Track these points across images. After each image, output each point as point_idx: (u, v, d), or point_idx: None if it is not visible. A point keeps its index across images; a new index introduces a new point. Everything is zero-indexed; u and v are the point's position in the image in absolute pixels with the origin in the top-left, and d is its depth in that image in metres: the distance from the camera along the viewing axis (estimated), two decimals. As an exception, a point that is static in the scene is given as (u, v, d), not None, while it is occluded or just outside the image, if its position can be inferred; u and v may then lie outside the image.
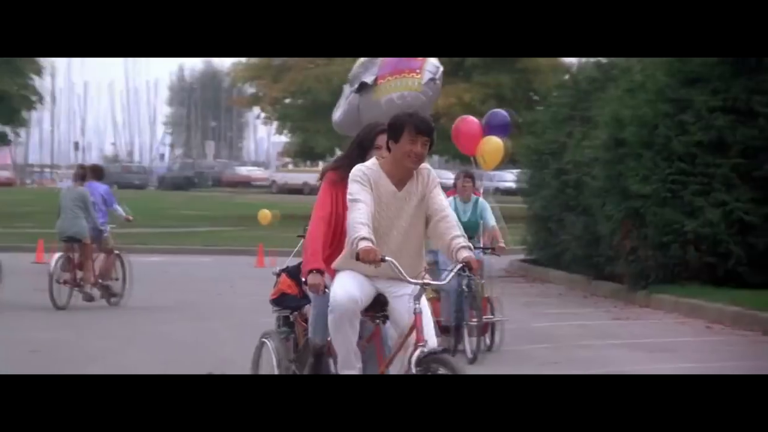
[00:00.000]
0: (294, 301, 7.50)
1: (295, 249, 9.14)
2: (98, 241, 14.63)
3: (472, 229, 11.27)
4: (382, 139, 6.46)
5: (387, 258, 5.96)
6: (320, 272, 6.38)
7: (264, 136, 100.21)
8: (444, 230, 6.21)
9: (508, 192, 44.26)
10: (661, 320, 14.11)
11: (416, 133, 6.10)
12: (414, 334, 5.93)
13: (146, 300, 15.30)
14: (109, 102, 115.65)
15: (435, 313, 10.78)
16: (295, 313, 7.47)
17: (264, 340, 7.48)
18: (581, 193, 17.75)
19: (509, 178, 46.56)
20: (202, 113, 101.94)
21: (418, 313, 5.95)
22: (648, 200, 15.71)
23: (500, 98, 34.00)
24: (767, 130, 15.26)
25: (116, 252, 14.96)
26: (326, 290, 6.28)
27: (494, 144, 14.42)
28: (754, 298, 13.67)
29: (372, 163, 6.26)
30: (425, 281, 6.08)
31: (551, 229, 19.21)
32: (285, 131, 40.46)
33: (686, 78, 15.76)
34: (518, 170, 26.66)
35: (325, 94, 34.91)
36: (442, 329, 10.03)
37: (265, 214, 22.16)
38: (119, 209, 15.12)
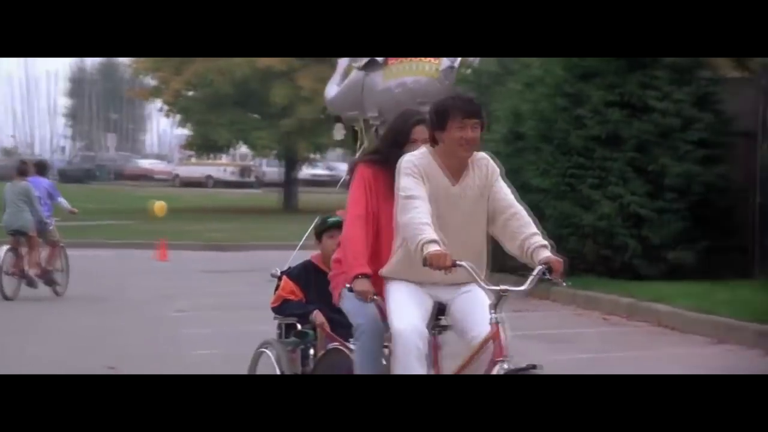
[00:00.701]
0: (299, 307, 6.84)
1: (295, 252, 9.20)
2: (43, 234, 15.16)
3: None
4: (419, 132, 5.79)
5: (461, 262, 5.27)
6: (367, 277, 5.57)
7: (166, 129, 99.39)
8: (516, 229, 5.55)
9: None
10: (559, 312, 14.39)
11: (464, 117, 5.44)
12: (490, 347, 5.28)
13: (47, 293, 15.32)
14: (8, 93, 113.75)
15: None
16: (316, 318, 6.66)
17: (263, 349, 6.83)
18: (482, 186, 17.96)
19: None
20: (102, 105, 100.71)
21: (497, 324, 5.28)
22: (547, 194, 15.97)
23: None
24: (661, 124, 15.60)
25: (61, 245, 15.59)
26: (374, 297, 5.55)
27: None
28: (647, 290, 14.00)
29: (422, 152, 5.53)
30: (505, 287, 5.38)
31: (453, 222, 19.42)
32: (187, 124, 40.21)
33: (583, 73, 16.04)
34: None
35: (228, 86, 34.85)
36: None
37: (160, 206, 21.95)
38: (64, 202, 15.76)
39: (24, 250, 14.94)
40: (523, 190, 15.90)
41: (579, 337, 12.14)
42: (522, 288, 5.49)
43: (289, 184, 39.01)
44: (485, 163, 5.63)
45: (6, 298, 14.72)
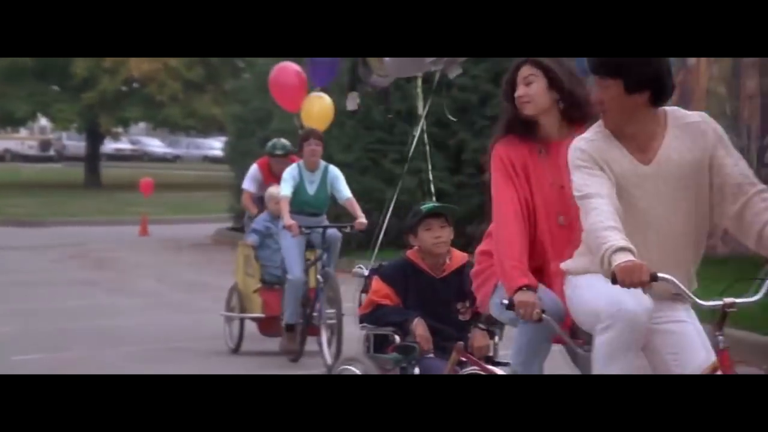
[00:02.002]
0: (398, 314, 5.64)
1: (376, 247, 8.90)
2: None
3: (320, 204, 9.79)
4: (524, 71, 4.77)
5: (662, 275, 3.92)
6: (532, 289, 4.44)
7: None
8: (760, 211, 4.06)
9: (216, 160, 44.38)
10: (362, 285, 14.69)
11: (599, 77, 4.21)
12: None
13: None
14: None
15: (271, 308, 9.87)
16: (416, 329, 5.52)
17: (349, 367, 5.63)
18: (286, 161, 18.16)
19: (217, 146, 46.67)
20: None
21: (724, 350, 4.00)
22: (350, 168, 16.25)
23: (206, 63, 34.05)
24: (459, 99, 16.06)
25: None
26: (542, 314, 4.41)
27: (320, 103, 12.26)
28: (447, 262, 14.43)
29: (593, 132, 4.25)
30: (731, 300, 4.00)
31: (257, 197, 19.56)
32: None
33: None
34: (225, 138, 26.89)
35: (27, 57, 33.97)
36: (287, 327, 9.30)
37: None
38: None
39: None
40: (326, 165, 16.42)
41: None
42: (755, 298, 4.06)
43: (92, 158, 38.37)
44: (696, 125, 4.19)
45: None
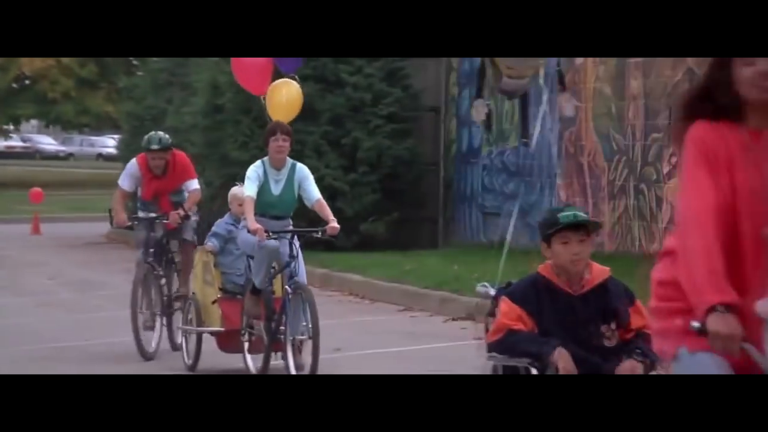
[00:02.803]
0: (534, 342, 4.83)
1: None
2: None
3: (286, 207, 8.73)
4: None
5: None
6: (732, 308, 3.33)
7: None
8: None
9: (110, 158, 43.99)
10: (257, 282, 14.79)
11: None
12: None
13: None
14: None
15: (231, 321, 8.79)
16: (558, 360, 4.68)
17: None
18: (181, 159, 18.15)
19: (111, 144, 46.24)
20: None
21: None
22: (246, 167, 16.26)
23: (99, 61, 33.75)
24: (353, 98, 16.23)
25: None
26: (744, 345, 3.34)
27: (288, 91, 10.92)
28: (341, 261, 14.63)
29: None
30: None
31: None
32: None
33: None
34: (119, 136, 26.76)
35: None
36: (252, 290, 8.50)
37: None
38: None
39: None
40: (222, 163, 16.51)
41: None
42: None
43: (-19, 155, 37.81)
44: None
45: None
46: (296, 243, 8.55)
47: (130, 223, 10.12)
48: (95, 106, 33.67)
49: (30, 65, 33.08)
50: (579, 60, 14.23)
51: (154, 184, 9.92)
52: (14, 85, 35.27)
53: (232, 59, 11.34)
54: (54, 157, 53.65)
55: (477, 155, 16.36)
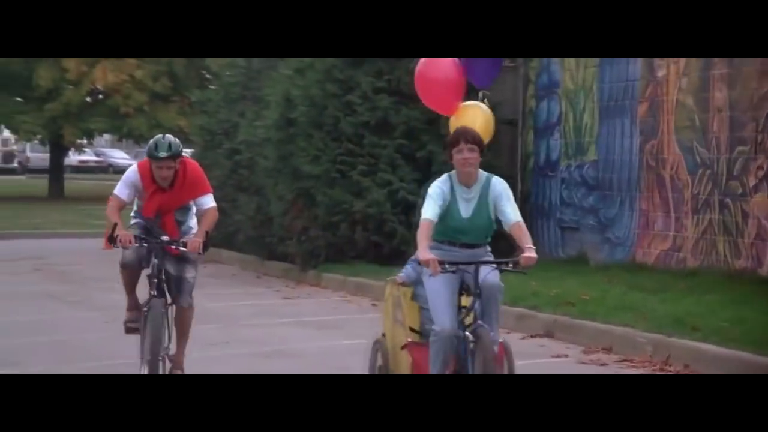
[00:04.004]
0: None
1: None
2: None
3: (479, 231, 7.24)
4: None
5: None
6: None
7: None
8: None
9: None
10: (330, 298, 14.75)
11: None
12: None
13: None
14: None
15: (422, 369, 7.11)
16: None
17: None
18: (254, 173, 18.19)
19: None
20: None
21: None
22: (318, 180, 16.29)
23: (172, 75, 34.02)
24: (428, 111, 16.09)
25: None
26: None
27: (478, 115, 9.66)
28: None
29: None
30: None
31: (224, 210, 19.51)
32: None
33: (353, 59, 16.41)
34: (191, 150, 26.86)
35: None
36: None
37: None
38: None
39: None
40: (294, 177, 16.48)
41: (347, 323, 12.52)
42: None
43: (56, 170, 38.25)
44: None
45: None
46: (488, 275, 6.96)
47: (137, 244, 8.21)
48: (167, 119, 33.89)
49: (103, 80, 33.42)
50: (660, 72, 14.01)
51: (159, 198, 8.32)
52: (88, 100, 35.67)
53: (418, 74, 10.00)
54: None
55: (555, 168, 16.17)
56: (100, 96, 35.81)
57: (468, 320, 6.98)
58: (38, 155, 51.34)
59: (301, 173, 16.38)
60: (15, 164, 57.25)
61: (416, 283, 7.37)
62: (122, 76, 33.14)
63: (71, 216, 28.46)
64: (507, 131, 16.69)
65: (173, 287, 8.38)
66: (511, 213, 7.13)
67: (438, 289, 6.99)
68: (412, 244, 15.81)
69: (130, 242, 8.14)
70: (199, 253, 8.13)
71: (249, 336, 11.49)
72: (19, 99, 36.30)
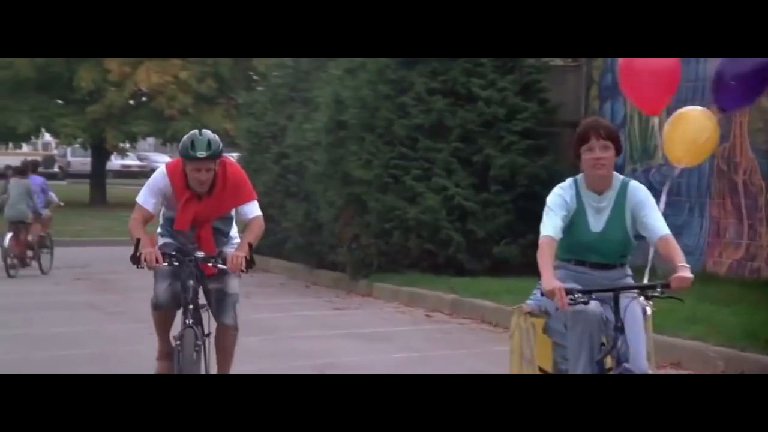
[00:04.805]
0: None
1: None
2: (39, 221, 19.09)
3: (614, 248, 6.20)
4: None
5: None
6: None
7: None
8: None
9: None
10: (382, 309, 14.71)
11: None
12: None
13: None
14: None
15: None
16: None
17: None
18: (302, 178, 18.18)
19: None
20: None
21: None
22: (370, 186, 16.26)
23: (218, 76, 34.15)
24: (485, 113, 16.04)
25: (48, 232, 19.59)
26: None
27: (699, 123, 8.76)
28: (471, 286, 14.43)
29: None
30: None
31: (272, 217, 19.57)
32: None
33: (406, 59, 16.36)
34: (238, 153, 26.93)
35: (29, 69, 34.16)
36: None
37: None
38: (54, 197, 19.83)
39: (23, 236, 18.76)
40: (344, 182, 16.46)
41: (400, 335, 12.46)
42: None
43: (98, 175, 38.52)
44: None
45: (10, 276, 18.40)
46: (630, 305, 5.94)
47: (165, 263, 7.21)
48: (213, 122, 33.99)
49: (146, 81, 33.60)
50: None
51: (194, 207, 7.32)
52: (130, 102, 35.88)
53: (622, 64, 9.16)
54: (171, 176, 54.43)
55: (620, 173, 15.99)
56: (144, 98, 36.02)
57: (609, 362, 5.96)
58: (79, 159, 51.76)
59: (352, 178, 16.35)
60: (55, 169, 57.78)
61: (548, 312, 6.33)
62: (166, 77, 33.30)
63: (113, 223, 28.61)
64: (568, 134, 16.55)
65: (213, 302, 7.51)
66: (658, 225, 6.06)
67: (574, 333, 5.95)
68: (467, 252, 15.85)
69: (157, 261, 7.10)
70: (242, 271, 7.16)
71: (297, 349, 11.46)
72: (59, 101, 36.60)
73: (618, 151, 6.20)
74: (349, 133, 16.63)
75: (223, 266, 7.16)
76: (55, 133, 38.05)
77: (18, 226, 18.76)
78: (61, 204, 20.34)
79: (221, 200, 7.35)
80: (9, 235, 18.70)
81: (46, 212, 19.40)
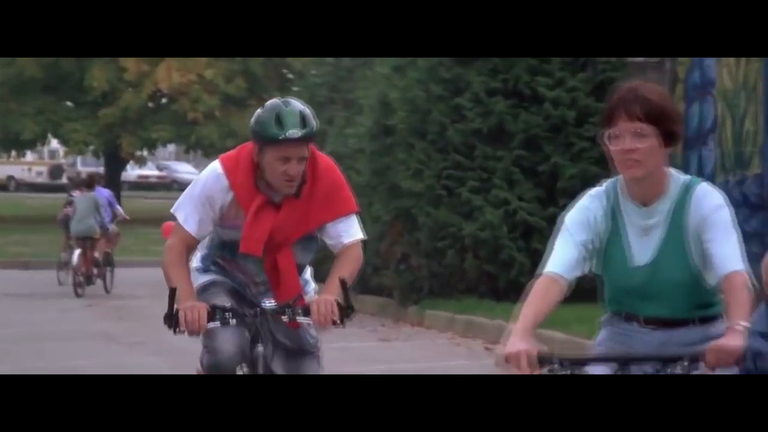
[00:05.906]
0: None
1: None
2: (106, 236, 20.13)
3: (673, 291, 4.59)
4: None
5: None
6: None
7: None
8: None
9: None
10: (434, 341, 14.66)
11: None
12: None
13: None
14: None
15: None
16: None
17: None
18: (343, 190, 18.17)
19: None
20: None
21: None
22: (420, 199, 16.23)
23: (248, 75, 34.27)
24: (553, 116, 15.95)
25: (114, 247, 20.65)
26: None
27: None
28: (539, 314, 14.32)
29: None
30: None
31: (311, 235, 19.60)
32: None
33: (462, 55, 16.34)
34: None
35: (35, 67, 34.45)
36: None
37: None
38: (120, 210, 21.06)
39: (89, 253, 19.64)
40: (391, 194, 16.43)
41: (454, 371, 12.37)
42: None
43: (112, 187, 38.72)
44: None
45: (78, 295, 19.24)
46: None
47: (217, 322, 5.57)
48: (243, 127, 34.12)
49: (167, 80, 33.76)
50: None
51: (271, 217, 5.54)
52: (149, 104, 36.05)
53: None
54: (194, 188, 54.72)
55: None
56: (164, 99, 36.24)
57: None
58: (90, 169, 52.07)
59: (400, 190, 16.34)
60: (64, 180, 58.14)
61: None
62: (190, 76, 33.47)
63: (129, 240, 28.70)
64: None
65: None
66: (726, 254, 4.40)
67: None
68: (532, 274, 15.80)
69: (200, 325, 5.46)
70: (335, 324, 5.48)
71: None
72: (69, 103, 36.86)
73: (670, 137, 4.49)
74: (396, 140, 16.64)
75: (307, 318, 5.52)
76: (63, 140, 38.35)
77: (86, 242, 19.63)
78: (127, 218, 21.48)
79: (310, 208, 5.59)
80: (77, 251, 19.58)
81: (113, 227, 20.56)
